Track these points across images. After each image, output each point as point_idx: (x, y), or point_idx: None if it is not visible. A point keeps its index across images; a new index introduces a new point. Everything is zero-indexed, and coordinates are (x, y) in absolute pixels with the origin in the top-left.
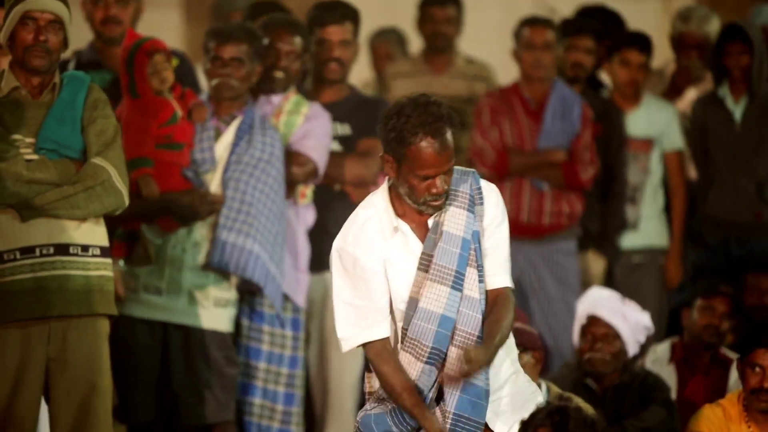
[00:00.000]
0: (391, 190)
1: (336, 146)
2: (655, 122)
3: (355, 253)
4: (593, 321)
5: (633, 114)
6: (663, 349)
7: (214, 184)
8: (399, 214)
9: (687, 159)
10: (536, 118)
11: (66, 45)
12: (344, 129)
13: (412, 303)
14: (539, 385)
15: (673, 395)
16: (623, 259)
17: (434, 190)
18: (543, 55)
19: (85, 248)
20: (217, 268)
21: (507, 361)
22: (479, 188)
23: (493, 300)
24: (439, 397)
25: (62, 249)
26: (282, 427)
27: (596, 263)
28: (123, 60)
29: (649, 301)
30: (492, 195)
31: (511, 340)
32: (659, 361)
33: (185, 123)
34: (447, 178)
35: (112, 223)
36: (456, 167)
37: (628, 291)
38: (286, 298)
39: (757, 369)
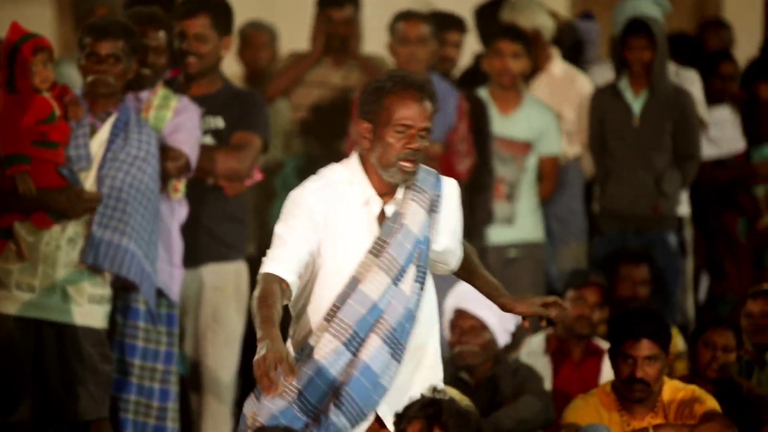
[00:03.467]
0: (364, 164)
1: (209, 139)
2: (534, 126)
3: (307, 200)
4: (460, 314)
5: (513, 116)
6: (538, 341)
7: (89, 182)
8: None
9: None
10: None
11: None
12: (217, 122)
13: (353, 283)
14: None
15: (549, 386)
16: (499, 253)
17: (411, 145)
18: (418, 49)
19: None
20: (92, 266)
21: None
22: (439, 195)
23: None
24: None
25: None
26: (158, 424)
27: None
28: (4, 53)
29: (526, 293)
30: (451, 203)
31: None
32: (534, 354)
33: (62, 122)
34: (424, 142)
35: None
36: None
37: (505, 284)
38: (160, 293)
39: (629, 360)
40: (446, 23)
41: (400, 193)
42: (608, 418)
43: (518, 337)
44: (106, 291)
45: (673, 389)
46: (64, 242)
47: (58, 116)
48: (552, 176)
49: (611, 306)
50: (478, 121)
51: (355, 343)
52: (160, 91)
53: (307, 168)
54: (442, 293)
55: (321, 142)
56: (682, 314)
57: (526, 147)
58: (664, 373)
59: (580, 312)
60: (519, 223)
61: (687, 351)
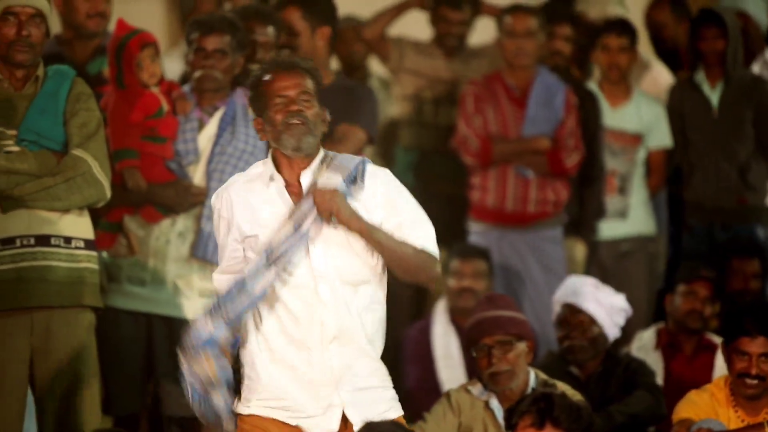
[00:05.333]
0: (274, 155)
1: None
2: (644, 118)
3: (215, 205)
4: (568, 309)
5: (623, 109)
6: (649, 335)
7: (197, 176)
8: (278, 170)
9: None
10: (520, 106)
11: (48, 36)
12: None
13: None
14: (527, 373)
15: (660, 381)
16: (612, 247)
17: (290, 108)
18: (525, 42)
19: (67, 240)
20: (202, 260)
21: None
22: (363, 171)
23: None
24: None
25: (43, 240)
26: None
27: (577, 249)
28: (112, 50)
29: (639, 287)
30: (377, 181)
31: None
32: (645, 348)
33: (171, 117)
34: (306, 105)
35: (95, 214)
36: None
37: (618, 278)
38: None
39: (744, 356)
40: (555, 16)
41: (315, 164)
42: (722, 414)
43: (628, 331)
44: None
45: None
46: (174, 236)
47: (166, 111)
48: (662, 169)
49: (722, 300)
50: (588, 114)
51: None
52: None
53: (421, 163)
54: (550, 289)
55: (431, 135)
56: None
57: (636, 139)
58: None
59: (691, 306)
60: (632, 217)
61: None
